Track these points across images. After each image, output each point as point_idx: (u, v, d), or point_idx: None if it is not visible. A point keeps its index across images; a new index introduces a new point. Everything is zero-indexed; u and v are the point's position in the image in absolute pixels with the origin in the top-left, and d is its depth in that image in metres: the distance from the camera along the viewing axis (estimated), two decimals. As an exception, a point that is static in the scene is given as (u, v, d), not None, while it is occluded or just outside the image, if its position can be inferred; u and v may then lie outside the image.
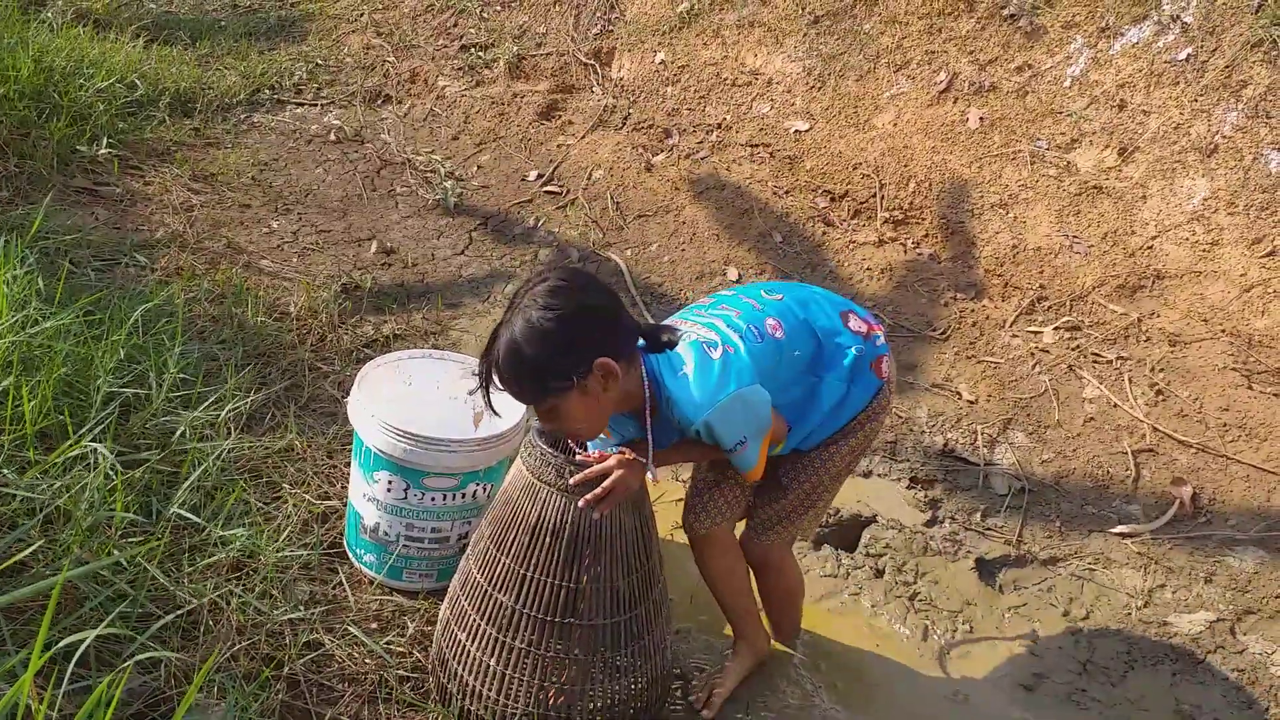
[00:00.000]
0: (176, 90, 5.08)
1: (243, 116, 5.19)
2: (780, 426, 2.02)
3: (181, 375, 2.72)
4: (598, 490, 1.88)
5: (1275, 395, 3.25)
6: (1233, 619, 2.72)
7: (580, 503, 1.88)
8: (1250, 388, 3.28)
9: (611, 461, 1.90)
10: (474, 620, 2.01)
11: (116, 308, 2.92)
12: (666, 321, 2.04)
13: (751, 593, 2.36)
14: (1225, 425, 3.21)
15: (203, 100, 5.13)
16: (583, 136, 4.90)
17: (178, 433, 2.52)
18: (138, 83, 4.93)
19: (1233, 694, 2.54)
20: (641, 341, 1.93)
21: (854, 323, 2.10)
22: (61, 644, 1.48)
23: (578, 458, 1.94)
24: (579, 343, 1.78)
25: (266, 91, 5.44)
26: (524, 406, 2.41)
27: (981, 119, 4.20)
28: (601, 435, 2.04)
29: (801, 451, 2.14)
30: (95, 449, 2.16)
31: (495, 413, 1.93)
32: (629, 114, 4.95)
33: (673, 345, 1.92)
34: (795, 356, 2.02)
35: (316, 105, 5.41)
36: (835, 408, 2.08)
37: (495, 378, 1.83)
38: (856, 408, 2.10)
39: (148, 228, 3.92)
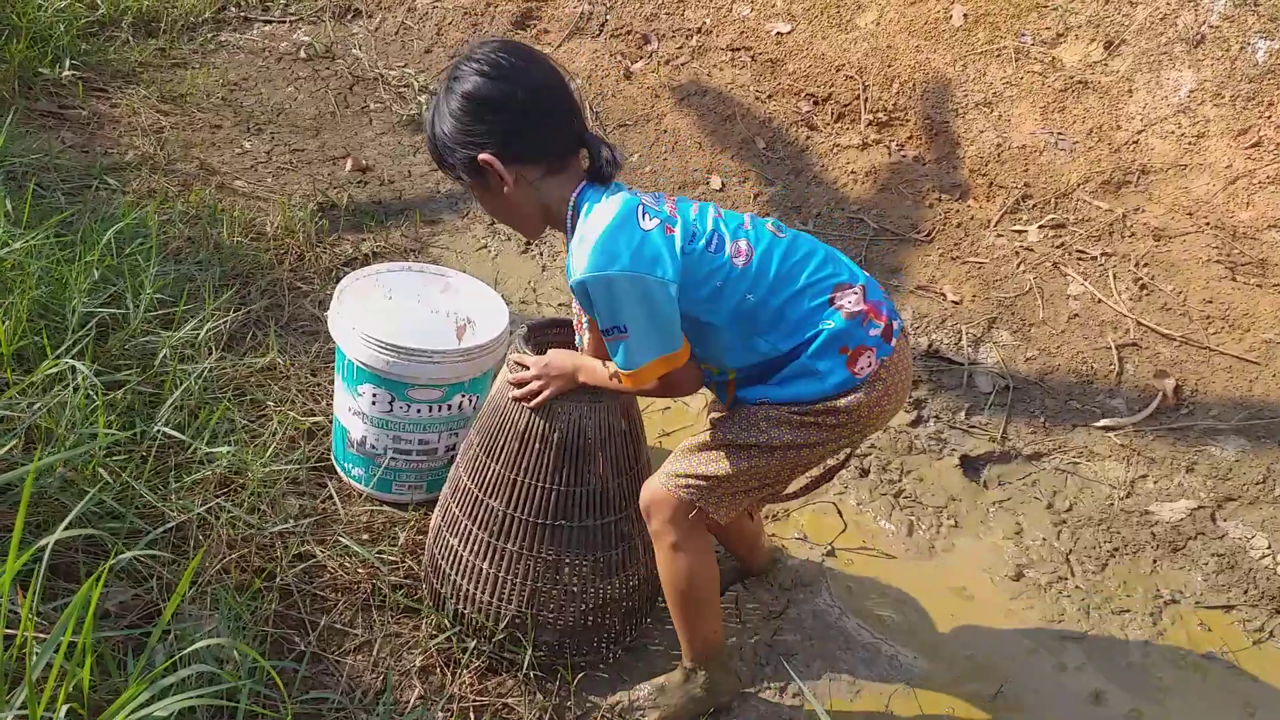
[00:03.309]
0: (139, 9, 4.92)
1: (209, 35, 5.03)
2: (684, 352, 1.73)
3: (159, 296, 2.68)
4: (528, 389, 1.92)
5: (1258, 286, 3.25)
6: (1213, 506, 2.76)
7: (512, 395, 1.94)
8: (1234, 279, 3.28)
9: (532, 373, 1.92)
10: (466, 526, 2.02)
11: (88, 229, 2.86)
12: (662, 203, 1.74)
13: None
14: (1208, 317, 3.21)
15: (166, 19, 4.97)
16: (559, 45, 4.78)
17: (158, 353, 2.50)
18: (98, 2, 4.78)
19: (1213, 578, 2.60)
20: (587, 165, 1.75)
21: (847, 299, 1.73)
22: (43, 543, 1.48)
23: (513, 359, 1.96)
24: (468, 133, 1.66)
25: (232, 9, 5.28)
26: (505, 320, 2.40)
27: (965, 15, 4.11)
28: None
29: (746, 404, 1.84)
30: (74, 366, 2.14)
31: None
32: (606, 20, 4.82)
33: (611, 176, 1.73)
34: (748, 301, 1.71)
35: (285, 22, 5.25)
36: (774, 366, 1.77)
37: None
38: (806, 393, 1.74)
39: (117, 150, 3.84)
